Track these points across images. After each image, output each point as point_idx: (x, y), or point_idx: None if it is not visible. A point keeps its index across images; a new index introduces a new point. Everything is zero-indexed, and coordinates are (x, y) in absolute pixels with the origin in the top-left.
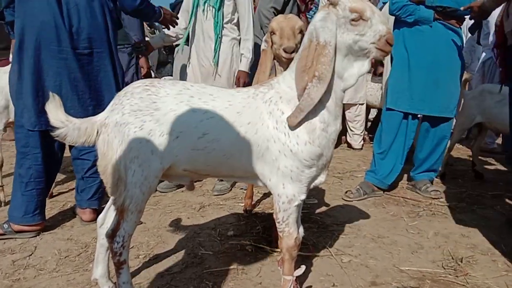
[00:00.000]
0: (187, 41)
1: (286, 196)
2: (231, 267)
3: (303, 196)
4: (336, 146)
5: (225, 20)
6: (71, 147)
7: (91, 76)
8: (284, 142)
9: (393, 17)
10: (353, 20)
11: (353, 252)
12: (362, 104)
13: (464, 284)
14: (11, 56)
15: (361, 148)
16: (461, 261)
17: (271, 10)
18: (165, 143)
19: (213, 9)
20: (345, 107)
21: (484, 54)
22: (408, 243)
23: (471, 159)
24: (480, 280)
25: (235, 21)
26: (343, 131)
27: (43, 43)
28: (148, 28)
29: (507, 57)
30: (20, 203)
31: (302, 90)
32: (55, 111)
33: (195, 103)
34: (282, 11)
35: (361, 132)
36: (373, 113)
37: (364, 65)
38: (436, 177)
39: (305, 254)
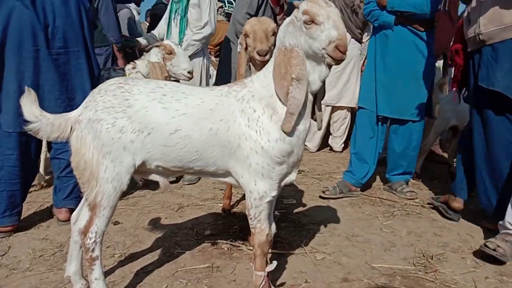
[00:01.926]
0: None
1: (257, 193)
2: (206, 265)
3: (274, 193)
4: (320, 149)
5: (191, 26)
6: (50, 148)
7: (68, 76)
8: (256, 139)
9: None
10: (305, 22)
11: (327, 250)
12: (353, 107)
13: (433, 280)
14: None
15: (342, 151)
16: (432, 259)
17: (245, 16)
18: (137, 139)
19: (179, 17)
20: (333, 109)
21: None
22: (381, 241)
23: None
24: (449, 276)
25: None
26: (327, 135)
27: (22, 44)
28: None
29: (466, 62)
30: None
31: (285, 95)
32: (29, 105)
33: (168, 100)
34: (255, 16)
35: (342, 135)
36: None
37: (322, 71)
38: (413, 179)
39: (280, 251)
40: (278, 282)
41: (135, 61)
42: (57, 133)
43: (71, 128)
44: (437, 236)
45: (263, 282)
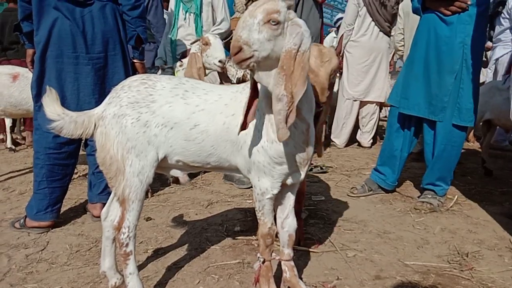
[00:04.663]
0: None
1: (259, 189)
2: (237, 261)
3: (276, 191)
4: (348, 144)
5: (204, 24)
6: (85, 145)
7: (106, 78)
8: (258, 138)
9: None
10: None
11: (358, 247)
12: (382, 102)
13: (469, 278)
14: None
15: (371, 147)
16: (467, 256)
17: None
18: (161, 133)
19: (194, 15)
20: (361, 104)
21: (497, 51)
22: (414, 238)
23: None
24: (486, 275)
25: (211, 25)
26: (354, 130)
27: (63, 51)
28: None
29: None
30: (33, 201)
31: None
32: (51, 104)
33: (190, 96)
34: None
35: (371, 130)
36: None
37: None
38: None
39: (311, 250)
40: (309, 279)
41: (182, 60)
42: (81, 130)
43: (95, 125)
44: (472, 233)
45: (259, 265)
